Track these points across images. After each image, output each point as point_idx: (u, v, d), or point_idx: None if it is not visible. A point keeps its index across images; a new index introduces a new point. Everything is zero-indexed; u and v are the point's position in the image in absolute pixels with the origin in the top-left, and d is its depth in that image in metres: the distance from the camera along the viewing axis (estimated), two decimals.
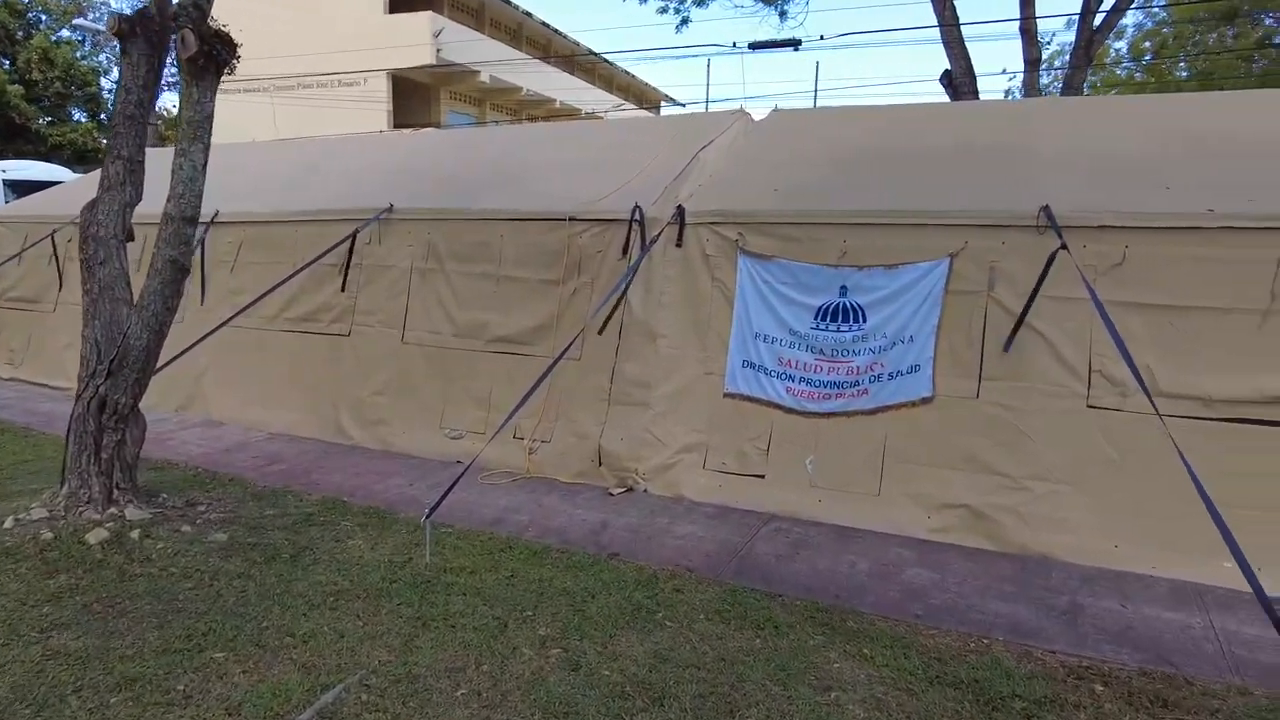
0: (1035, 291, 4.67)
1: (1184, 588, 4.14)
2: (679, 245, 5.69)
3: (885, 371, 5.13)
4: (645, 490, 5.49)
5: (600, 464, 5.65)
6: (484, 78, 28.37)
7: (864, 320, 5.20)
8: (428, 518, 4.15)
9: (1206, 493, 3.44)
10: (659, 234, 5.63)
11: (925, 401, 5.01)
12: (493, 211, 6.35)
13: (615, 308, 5.72)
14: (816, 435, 5.25)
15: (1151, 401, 3.96)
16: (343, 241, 6.72)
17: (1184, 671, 3.30)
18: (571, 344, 5.32)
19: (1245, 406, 4.36)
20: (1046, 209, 4.76)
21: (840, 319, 5.26)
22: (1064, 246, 4.55)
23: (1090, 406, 4.65)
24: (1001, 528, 4.66)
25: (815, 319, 5.32)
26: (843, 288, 5.26)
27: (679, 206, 5.71)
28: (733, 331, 5.54)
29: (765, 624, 3.60)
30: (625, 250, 5.79)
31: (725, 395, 5.52)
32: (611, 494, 5.43)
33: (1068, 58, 15.90)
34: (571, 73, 34.72)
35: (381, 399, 6.63)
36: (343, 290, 6.85)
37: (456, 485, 4.42)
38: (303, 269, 6.63)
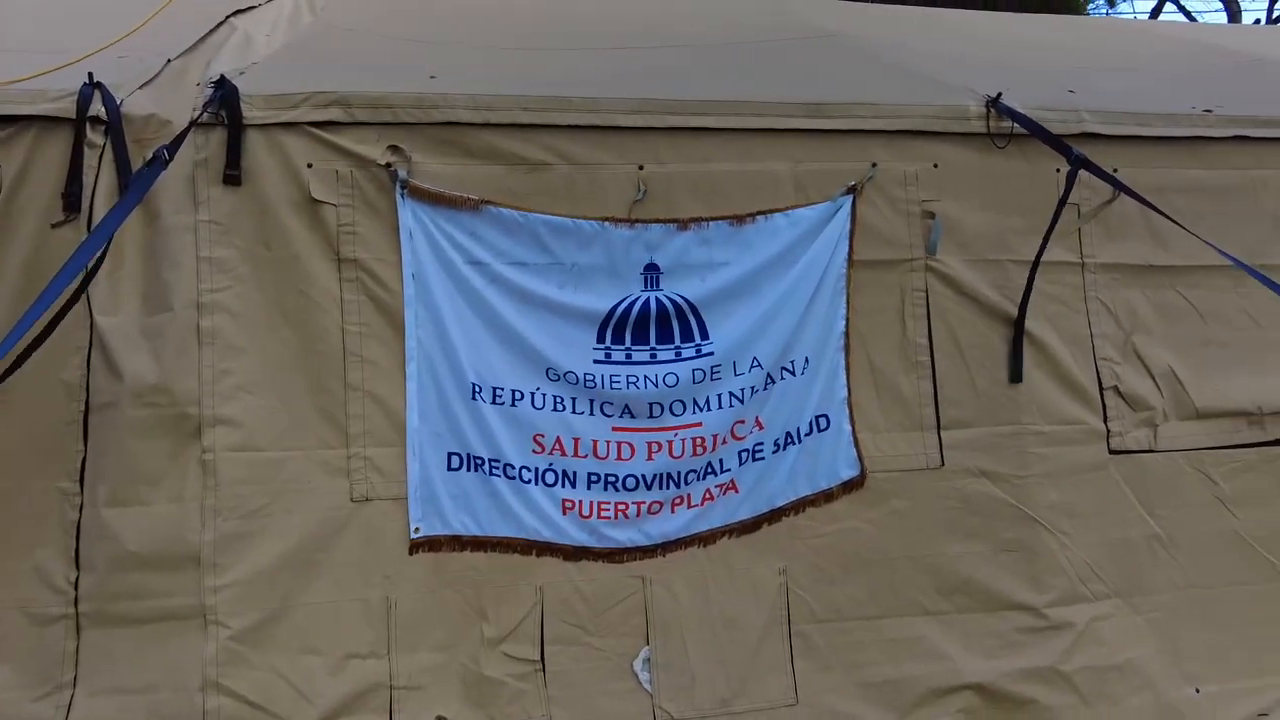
0: (1041, 250, 2.47)
1: None
2: (233, 180, 2.20)
3: (765, 438, 2.47)
4: None
5: None
6: None
7: (703, 334, 2.45)
8: None
9: None
10: (170, 147, 2.06)
11: (849, 488, 2.48)
12: None
13: (35, 348, 2.05)
14: (646, 597, 2.36)
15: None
16: None
17: None
18: None
19: None
20: (998, 100, 2.58)
21: (656, 335, 2.42)
22: (1083, 162, 2.41)
23: (1114, 451, 2.63)
24: (1042, 713, 2.40)
25: (601, 339, 2.40)
26: (650, 269, 2.43)
27: (220, 81, 2.21)
28: (413, 389, 2.29)
29: None
30: (71, 201, 2.13)
31: (416, 543, 2.26)
32: None
33: None
34: None
35: None
36: None
37: None
38: None
